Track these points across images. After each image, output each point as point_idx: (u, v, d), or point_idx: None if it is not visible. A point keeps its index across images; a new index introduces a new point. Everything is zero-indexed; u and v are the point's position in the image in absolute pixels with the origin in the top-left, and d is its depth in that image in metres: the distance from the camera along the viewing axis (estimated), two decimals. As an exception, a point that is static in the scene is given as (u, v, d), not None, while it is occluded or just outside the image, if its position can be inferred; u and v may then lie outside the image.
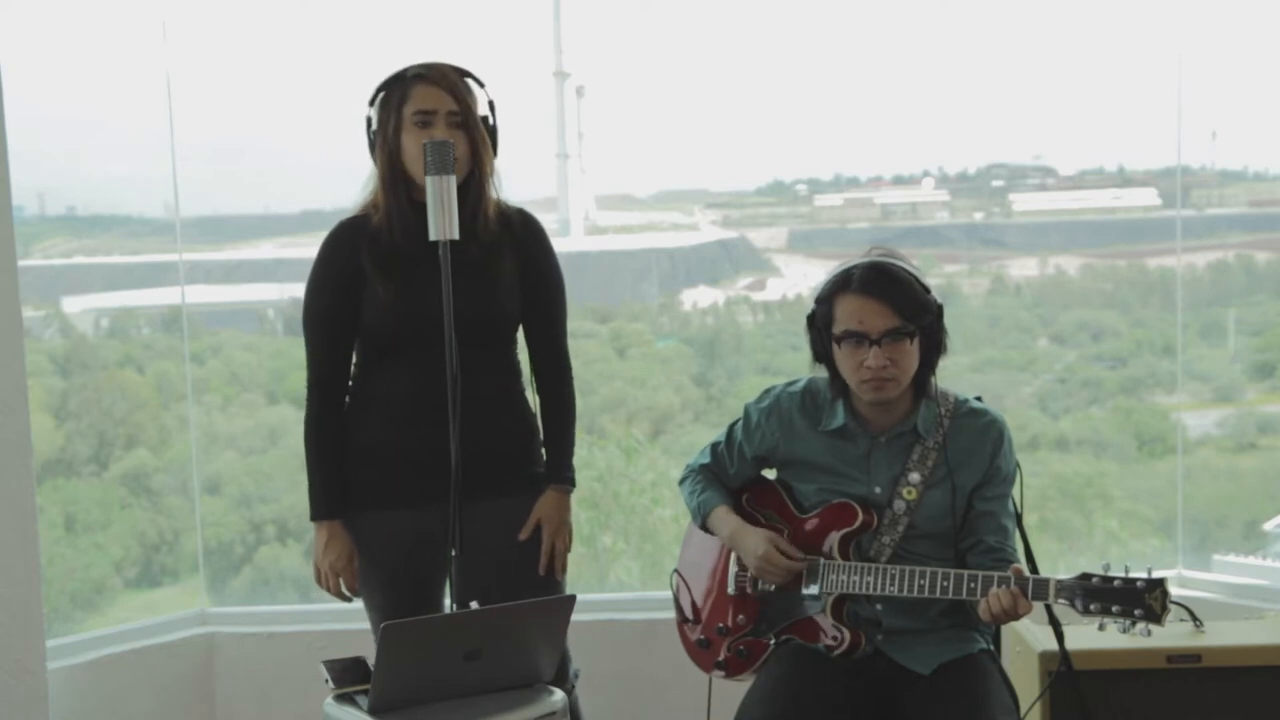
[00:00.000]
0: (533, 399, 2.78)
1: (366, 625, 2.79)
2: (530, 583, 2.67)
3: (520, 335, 2.79)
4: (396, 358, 2.66)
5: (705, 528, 2.75)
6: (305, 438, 2.71)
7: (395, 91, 2.61)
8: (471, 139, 2.59)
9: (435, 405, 2.45)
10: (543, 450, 2.79)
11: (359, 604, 2.80)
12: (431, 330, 2.42)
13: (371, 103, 2.64)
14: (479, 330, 2.62)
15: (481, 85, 2.66)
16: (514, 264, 2.69)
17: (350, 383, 2.73)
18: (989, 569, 2.42)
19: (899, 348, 2.47)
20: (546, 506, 2.74)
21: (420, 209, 2.52)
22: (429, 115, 2.58)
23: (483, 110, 2.64)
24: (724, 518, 2.69)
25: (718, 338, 5.15)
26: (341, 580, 2.70)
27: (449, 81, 2.60)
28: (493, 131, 2.66)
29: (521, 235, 2.71)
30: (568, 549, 2.79)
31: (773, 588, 2.62)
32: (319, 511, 2.70)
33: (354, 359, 2.73)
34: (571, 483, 2.79)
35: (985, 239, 5.16)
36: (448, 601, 2.69)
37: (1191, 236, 4.23)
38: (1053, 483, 4.65)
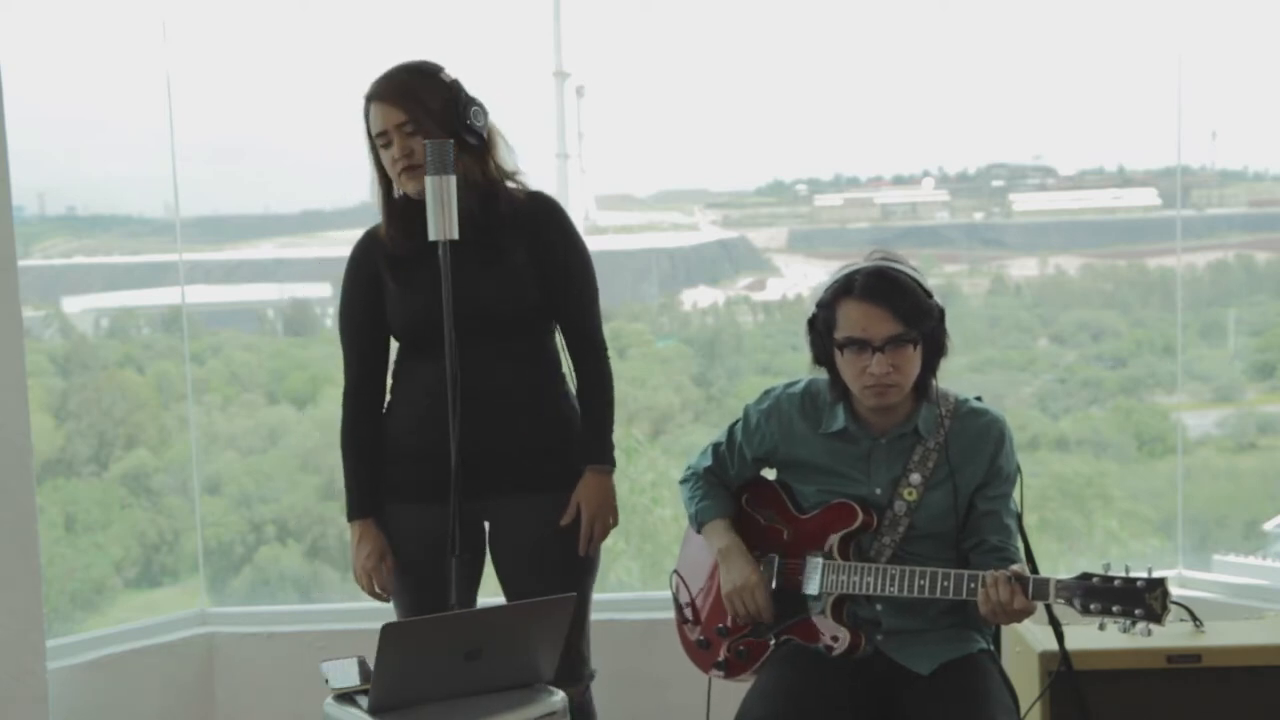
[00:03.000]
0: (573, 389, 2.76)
1: (367, 625, 2.77)
2: (558, 573, 2.66)
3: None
4: (421, 355, 2.67)
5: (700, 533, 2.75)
6: (341, 441, 2.76)
7: (365, 113, 2.62)
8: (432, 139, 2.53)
9: (459, 400, 2.43)
10: (578, 441, 2.75)
11: (359, 604, 2.81)
12: (439, 326, 2.42)
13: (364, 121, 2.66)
14: (490, 322, 2.61)
15: (436, 71, 2.59)
16: (525, 248, 2.65)
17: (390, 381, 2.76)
18: (993, 569, 2.41)
19: (902, 354, 2.46)
20: (586, 489, 2.71)
21: (415, 209, 2.54)
22: (384, 135, 2.58)
23: (446, 93, 2.56)
24: (720, 533, 2.68)
25: (718, 338, 5.15)
26: (374, 580, 2.71)
27: (391, 94, 2.57)
28: (462, 113, 2.56)
29: (534, 219, 2.67)
30: (610, 528, 2.76)
31: (738, 620, 2.64)
32: (351, 511, 2.73)
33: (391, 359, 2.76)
34: (611, 462, 2.75)
35: (985, 239, 5.16)
36: (480, 599, 2.70)
37: (1191, 236, 4.23)
38: (1053, 483, 4.65)
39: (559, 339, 2.76)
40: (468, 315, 2.42)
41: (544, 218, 2.69)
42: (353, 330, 2.75)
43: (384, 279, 2.67)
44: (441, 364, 2.41)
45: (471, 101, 2.60)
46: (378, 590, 2.72)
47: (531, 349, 2.71)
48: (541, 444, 2.70)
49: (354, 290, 2.73)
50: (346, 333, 2.76)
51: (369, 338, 2.73)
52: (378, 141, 2.60)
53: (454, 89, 2.59)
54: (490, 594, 2.86)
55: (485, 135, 2.62)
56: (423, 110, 2.55)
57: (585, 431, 2.75)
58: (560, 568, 2.70)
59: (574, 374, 2.76)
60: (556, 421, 2.73)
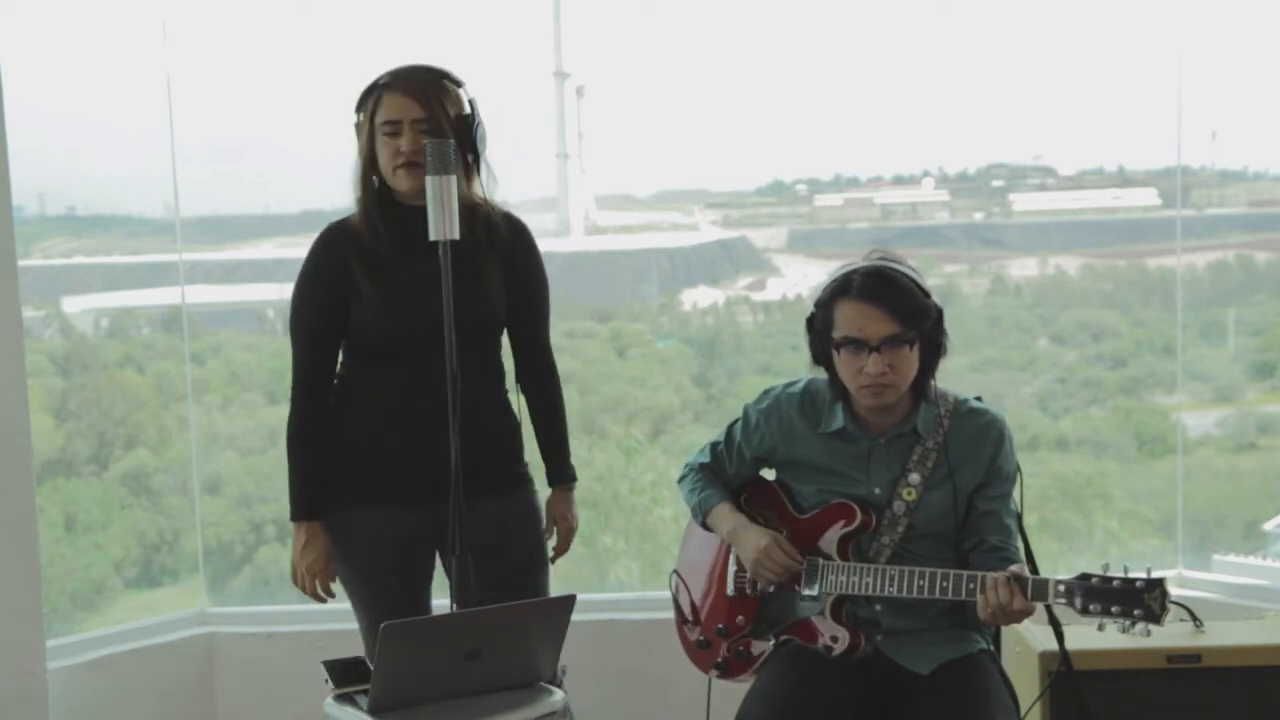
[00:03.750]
0: (515, 401, 2.79)
1: (367, 625, 2.80)
2: (519, 582, 2.67)
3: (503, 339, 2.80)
4: (384, 359, 2.66)
5: (706, 525, 2.75)
6: (288, 439, 2.73)
7: (370, 99, 2.61)
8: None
9: (422, 405, 2.51)
10: (523, 452, 2.80)
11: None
12: (415, 333, 2.45)
13: (357, 109, 2.65)
14: (485, 334, 2.66)
15: (460, 85, 2.62)
16: (499, 268, 2.68)
17: (336, 382, 2.73)
18: (992, 569, 2.41)
19: (898, 354, 2.46)
20: (557, 506, 2.82)
21: (399, 213, 2.58)
22: (395, 125, 2.57)
23: (464, 108, 2.61)
24: (725, 515, 2.69)
25: (718, 338, 5.15)
26: (318, 582, 2.72)
27: (415, 88, 2.57)
28: (471, 131, 2.61)
29: (507, 240, 2.70)
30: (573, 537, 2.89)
31: (772, 589, 2.62)
32: (298, 512, 2.72)
33: (340, 359, 2.73)
34: (574, 479, 2.87)
35: (985, 239, 5.16)
36: (442, 602, 2.70)
37: (1191, 236, 4.23)
38: (1053, 483, 4.65)
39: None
40: (468, 325, 2.42)
41: (514, 238, 2.72)
42: (310, 327, 2.69)
43: (355, 280, 2.62)
44: (410, 368, 2.53)
45: (481, 124, 2.63)
46: (319, 593, 2.73)
47: (496, 361, 2.76)
48: (502, 449, 2.74)
49: (314, 287, 2.68)
50: (303, 329, 2.70)
51: (325, 336, 2.69)
52: (383, 129, 2.57)
53: (472, 106, 2.63)
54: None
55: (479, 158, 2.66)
56: (441, 112, 2.57)
57: (547, 451, 2.84)
58: (520, 568, 2.73)
59: (523, 392, 2.80)
60: (509, 430, 2.77)
